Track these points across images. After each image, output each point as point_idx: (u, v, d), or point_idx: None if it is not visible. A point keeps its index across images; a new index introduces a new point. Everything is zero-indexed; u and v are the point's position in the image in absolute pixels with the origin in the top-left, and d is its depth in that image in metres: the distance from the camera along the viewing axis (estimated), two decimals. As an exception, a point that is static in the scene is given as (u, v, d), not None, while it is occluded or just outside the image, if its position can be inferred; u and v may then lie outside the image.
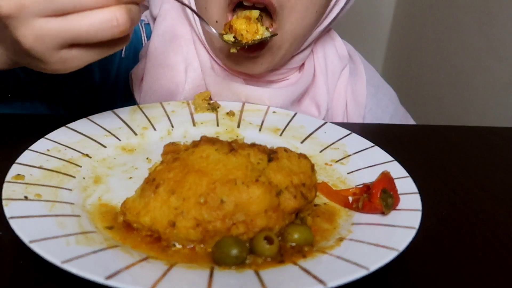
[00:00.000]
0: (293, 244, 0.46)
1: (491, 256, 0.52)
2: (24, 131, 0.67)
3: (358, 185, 0.58)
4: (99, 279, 0.38)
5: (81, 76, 0.83)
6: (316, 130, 0.70)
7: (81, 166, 0.57)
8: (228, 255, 0.43)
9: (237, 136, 0.69)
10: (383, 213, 0.51)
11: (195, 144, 0.50)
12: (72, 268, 0.39)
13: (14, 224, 0.43)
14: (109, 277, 0.38)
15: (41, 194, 0.49)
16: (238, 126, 0.71)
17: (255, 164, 0.48)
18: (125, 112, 0.69)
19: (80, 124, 0.64)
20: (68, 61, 0.52)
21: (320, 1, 0.74)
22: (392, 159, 0.61)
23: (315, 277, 0.41)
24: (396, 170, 0.58)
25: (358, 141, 0.66)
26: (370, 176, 0.57)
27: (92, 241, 0.44)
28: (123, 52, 0.86)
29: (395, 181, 0.54)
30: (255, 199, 0.45)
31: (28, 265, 0.45)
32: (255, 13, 0.70)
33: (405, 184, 0.55)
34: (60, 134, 0.61)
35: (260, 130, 0.71)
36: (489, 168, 0.73)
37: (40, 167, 0.54)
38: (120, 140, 0.64)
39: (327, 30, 0.85)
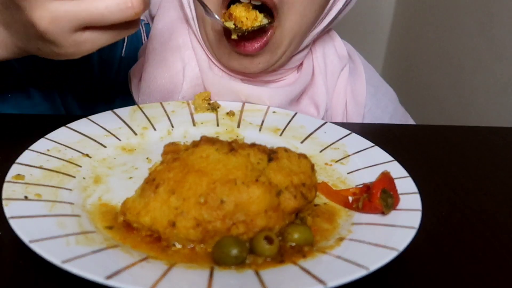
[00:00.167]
0: (293, 244, 0.46)
1: (491, 256, 0.52)
2: (24, 131, 0.67)
3: (358, 185, 0.58)
4: (99, 279, 0.38)
5: (82, 75, 0.83)
6: (316, 130, 0.70)
7: (81, 166, 0.57)
8: (228, 255, 0.43)
9: (237, 136, 0.69)
10: (383, 213, 0.51)
11: (195, 144, 0.50)
12: (72, 268, 0.39)
13: (14, 224, 0.43)
14: (109, 277, 0.38)
15: (41, 194, 0.49)
16: (238, 126, 0.71)
17: (255, 164, 0.48)
18: (125, 112, 0.69)
19: (80, 124, 0.64)
20: (81, 44, 0.52)
21: (320, 0, 0.74)
22: (392, 159, 0.61)
23: (315, 277, 0.41)
24: (396, 170, 0.58)
25: (358, 141, 0.66)
26: (370, 176, 0.57)
27: (92, 241, 0.44)
28: (123, 51, 0.86)
29: (395, 181, 0.54)
30: (255, 199, 0.45)
31: (28, 265, 0.45)
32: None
33: (405, 184, 0.55)
34: (60, 134, 0.61)
35: (260, 130, 0.71)
36: (489, 168, 0.73)
37: (40, 167, 0.54)
38: (120, 140, 0.64)
39: (326, 30, 0.85)
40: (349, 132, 0.69)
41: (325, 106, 0.83)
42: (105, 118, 0.67)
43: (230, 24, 0.70)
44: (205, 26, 0.76)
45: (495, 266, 0.51)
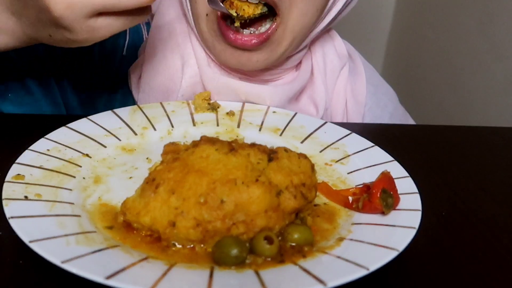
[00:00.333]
0: (293, 244, 0.46)
1: (491, 256, 0.52)
2: (24, 131, 0.67)
3: (358, 185, 0.58)
4: (99, 279, 0.38)
5: (82, 67, 0.83)
6: (316, 130, 0.70)
7: (81, 166, 0.57)
8: (228, 255, 0.43)
9: (237, 136, 0.69)
10: (383, 213, 0.51)
11: (195, 144, 0.50)
12: (72, 268, 0.39)
13: (14, 224, 0.43)
14: (109, 277, 0.38)
15: (41, 194, 0.49)
16: (238, 126, 0.71)
17: (255, 164, 0.48)
18: (125, 112, 0.69)
19: (80, 124, 0.64)
20: (95, 30, 0.53)
21: (321, 0, 0.74)
22: (392, 159, 0.61)
23: (315, 277, 0.41)
24: (396, 170, 0.58)
25: (358, 141, 0.66)
26: (370, 176, 0.57)
27: (92, 241, 0.44)
28: (125, 49, 0.87)
29: (395, 181, 0.54)
30: (255, 199, 0.45)
31: (28, 265, 0.45)
32: None
33: (405, 184, 0.55)
34: (60, 134, 0.61)
35: (260, 130, 0.71)
36: (489, 168, 0.73)
37: (40, 167, 0.54)
38: (120, 140, 0.64)
39: (326, 29, 0.85)
40: (349, 132, 0.69)
41: (324, 105, 0.83)
42: (105, 118, 0.67)
43: (232, 12, 0.70)
44: (200, 23, 0.76)
45: (495, 266, 0.51)
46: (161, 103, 0.73)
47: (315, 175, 0.51)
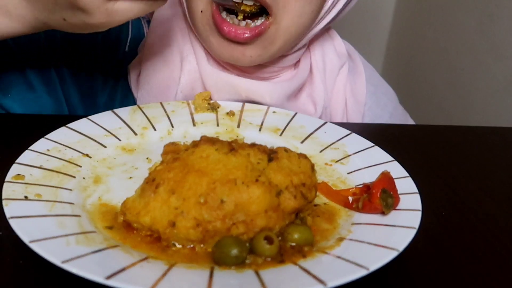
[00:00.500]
0: (293, 244, 0.46)
1: (491, 256, 0.52)
2: (24, 131, 0.67)
3: (358, 185, 0.58)
4: (99, 279, 0.38)
5: (84, 66, 0.83)
6: (316, 130, 0.70)
7: (81, 166, 0.57)
8: (228, 255, 0.43)
9: (237, 136, 0.69)
10: (383, 213, 0.51)
11: (195, 144, 0.50)
12: (72, 268, 0.39)
13: (14, 224, 0.43)
14: (109, 277, 0.38)
15: (41, 194, 0.49)
16: (238, 126, 0.71)
17: (255, 164, 0.48)
18: (125, 112, 0.69)
19: (80, 124, 0.64)
20: (113, 14, 0.52)
21: (317, 1, 0.74)
22: (392, 159, 0.61)
23: (315, 277, 0.41)
24: (396, 170, 0.58)
25: (358, 141, 0.66)
26: (370, 176, 0.57)
27: (92, 241, 0.44)
28: (127, 45, 0.87)
29: (395, 181, 0.54)
30: (255, 199, 0.45)
31: (28, 265, 0.45)
32: None
33: (405, 184, 0.55)
34: (60, 134, 0.61)
35: (260, 130, 0.71)
36: (489, 168, 0.73)
37: (40, 167, 0.54)
38: (120, 140, 0.64)
39: (326, 29, 0.85)
40: (349, 132, 0.69)
41: (322, 103, 0.83)
42: (105, 118, 0.67)
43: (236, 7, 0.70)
44: (196, 19, 0.76)
45: (495, 266, 0.51)
46: (161, 103, 0.73)
47: (315, 175, 0.51)
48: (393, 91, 0.98)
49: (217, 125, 0.71)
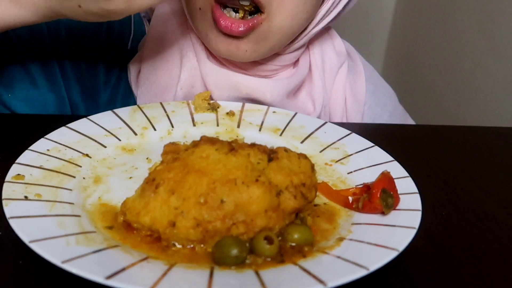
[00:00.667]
0: (293, 244, 0.46)
1: (491, 256, 0.52)
2: (24, 131, 0.67)
3: (358, 185, 0.58)
4: (99, 279, 0.38)
5: (87, 70, 0.83)
6: (316, 130, 0.70)
7: (81, 166, 0.57)
8: (228, 255, 0.43)
9: (237, 136, 0.69)
10: (383, 213, 0.51)
11: (195, 144, 0.50)
12: (72, 268, 0.39)
13: (14, 224, 0.43)
14: (109, 277, 0.38)
15: (41, 194, 0.49)
16: (238, 126, 0.71)
17: (255, 164, 0.48)
18: (125, 112, 0.69)
19: (80, 124, 0.64)
20: (132, 0, 0.51)
21: (312, 2, 0.74)
22: (392, 159, 0.61)
23: (315, 277, 0.41)
24: (396, 170, 0.58)
25: (358, 141, 0.67)
26: (370, 176, 0.57)
27: (92, 241, 0.44)
28: (129, 44, 0.87)
29: (395, 181, 0.54)
30: (255, 199, 0.45)
31: (28, 265, 0.45)
32: None
33: (405, 184, 0.55)
34: (60, 134, 0.61)
35: (260, 130, 0.71)
36: (489, 168, 0.73)
37: (40, 167, 0.54)
38: (120, 140, 0.64)
39: (326, 28, 0.85)
40: (349, 132, 0.69)
41: (321, 101, 0.83)
42: (105, 118, 0.67)
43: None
44: (194, 16, 0.76)
45: (495, 266, 0.51)
46: (161, 103, 0.73)
47: (315, 175, 0.51)
48: (392, 90, 0.98)
49: (217, 125, 0.71)
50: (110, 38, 0.84)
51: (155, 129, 0.68)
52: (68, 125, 0.63)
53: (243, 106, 0.75)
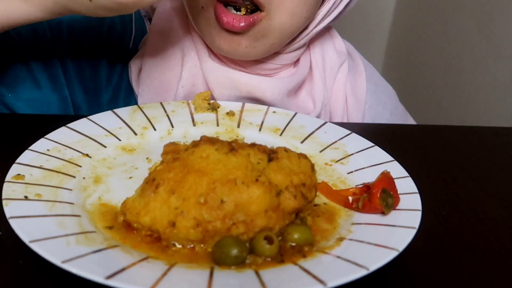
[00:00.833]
0: (293, 244, 0.46)
1: (491, 256, 0.52)
2: (24, 131, 0.67)
3: (358, 185, 0.58)
4: (99, 279, 0.38)
5: (89, 69, 0.83)
6: (316, 130, 0.70)
7: (81, 166, 0.57)
8: (228, 255, 0.43)
9: (237, 136, 0.69)
10: (383, 213, 0.51)
11: (195, 144, 0.50)
12: (72, 268, 0.39)
13: (14, 224, 0.43)
14: (109, 277, 0.38)
15: (41, 194, 0.49)
16: (238, 126, 0.71)
17: (255, 164, 0.48)
18: (125, 112, 0.69)
19: (80, 124, 0.64)
20: None
21: (311, 1, 0.74)
22: (392, 159, 0.61)
23: (315, 277, 0.41)
24: (396, 170, 0.58)
25: (358, 141, 0.67)
26: (370, 176, 0.57)
27: (92, 241, 0.44)
28: (131, 43, 0.87)
29: (395, 181, 0.54)
30: (255, 199, 0.45)
31: (28, 265, 0.45)
32: None
33: (405, 184, 0.55)
34: (60, 134, 0.61)
35: (260, 130, 0.71)
36: (489, 168, 0.73)
37: (40, 167, 0.54)
38: (120, 140, 0.64)
39: (326, 28, 0.85)
40: (349, 132, 0.69)
41: (322, 100, 0.83)
42: (105, 118, 0.67)
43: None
44: (196, 15, 0.76)
45: (495, 266, 0.51)
46: (161, 103, 0.73)
47: (315, 175, 0.51)
48: (393, 90, 0.98)
49: (217, 125, 0.71)
50: (111, 37, 0.85)
51: (155, 129, 0.68)
52: (68, 125, 0.63)
53: (243, 106, 0.75)
